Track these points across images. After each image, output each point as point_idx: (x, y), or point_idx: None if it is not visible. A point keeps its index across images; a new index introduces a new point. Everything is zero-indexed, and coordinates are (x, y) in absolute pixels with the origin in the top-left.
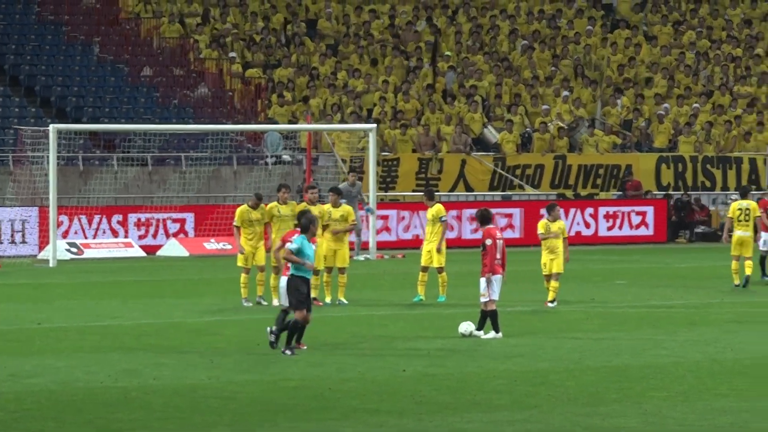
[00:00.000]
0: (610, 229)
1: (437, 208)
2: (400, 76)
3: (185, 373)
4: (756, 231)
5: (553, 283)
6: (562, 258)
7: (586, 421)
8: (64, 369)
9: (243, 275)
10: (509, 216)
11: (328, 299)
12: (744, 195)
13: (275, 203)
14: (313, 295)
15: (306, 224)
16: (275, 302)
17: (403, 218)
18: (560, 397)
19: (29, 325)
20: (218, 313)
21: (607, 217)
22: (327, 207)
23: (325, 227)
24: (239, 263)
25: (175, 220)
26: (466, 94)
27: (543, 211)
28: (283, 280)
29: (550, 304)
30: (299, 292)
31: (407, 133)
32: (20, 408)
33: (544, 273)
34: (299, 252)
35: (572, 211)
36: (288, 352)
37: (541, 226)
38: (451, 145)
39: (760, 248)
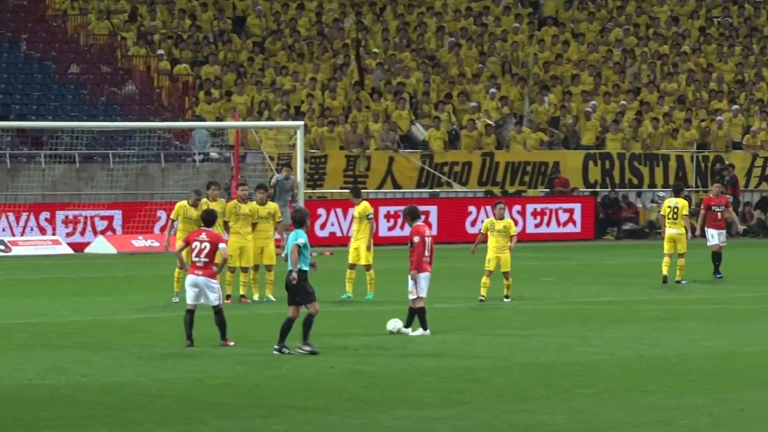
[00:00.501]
0: (537, 226)
1: (364, 206)
2: (328, 73)
3: (113, 371)
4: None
5: (504, 281)
6: (509, 254)
7: (514, 418)
8: None
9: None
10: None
11: (255, 297)
12: (677, 193)
13: (204, 200)
14: (241, 292)
15: (302, 219)
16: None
17: (329, 213)
18: (488, 393)
19: None
20: (146, 311)
21: (534, 214)
22: (255, 204)
23: (254, 225)
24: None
25: (102, 218)
26: (394, 92)
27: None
28: (189, 279)
29: (506, 300)
30: (308, 286)
31: (335, 130)
32: None
33: (487, 268)
34: (305, 247)
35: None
36: (306, 347)
37: (485, 224)
38: (378, 143)
39: (709, 243)
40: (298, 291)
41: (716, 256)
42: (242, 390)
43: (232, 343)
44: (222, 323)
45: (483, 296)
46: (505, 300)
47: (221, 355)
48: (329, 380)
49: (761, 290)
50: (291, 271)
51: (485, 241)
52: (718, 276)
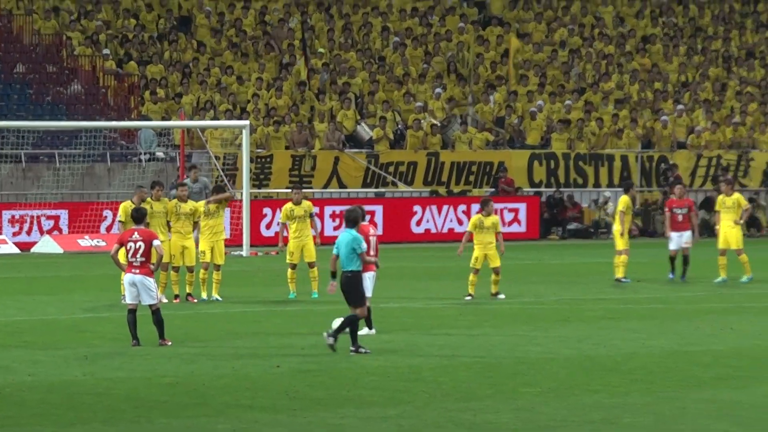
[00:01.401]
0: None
1: (307, 204)
2: (273, 72)
3: (60, 370)
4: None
5: (494, 277)
6: (498, 251)
7: (459, 417)
8: None
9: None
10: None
11: (204, 295)
12: (627, 190)
13: (148, 200)
14: (187, 290)
15: (356, 218)
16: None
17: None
18: (433, 392)
19: None
20: (92, 310)
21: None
22: (202, 204)
23: (195, 224)
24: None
25: (49, 217)
26: (339, 92)
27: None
28: (127, 279)
29: (501, 296)
30: (361, 288)
31: (280, 130)
32: None
33: (474, 266)
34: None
35: (445, 207)
36: (361, 350)
37: (473, 221)
38: (324, 142)
39: (671, 247)
40: (352, 291)
41: (678, 259)
42: (189, 389)
43: (169, 343)
44: (160, 322)
45: (471, 294)
46: (499, 297)
47: (168, 354)
48: (275, 379)
49: (703, 290)
50: (346, 272)
51: (471, 240)
52: (682, 279)
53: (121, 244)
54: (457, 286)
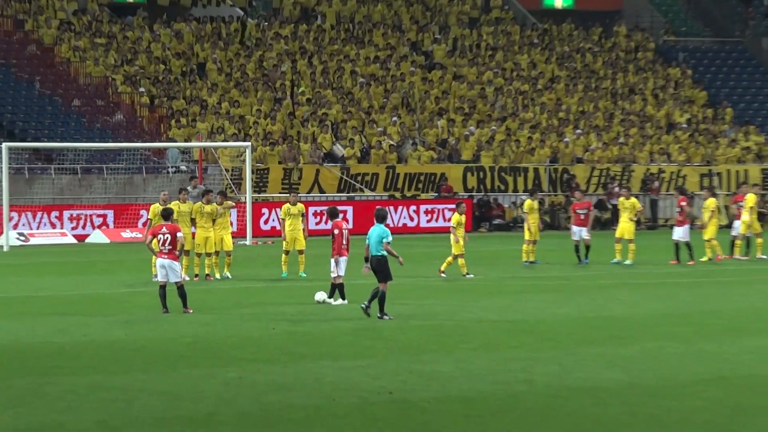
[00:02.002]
0: (428, 221)
1: (301, 206)
2: (269, 105)
3: (106, 332)
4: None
5: (461, 261)
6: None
7: (412, 367)
8: (14, 329)
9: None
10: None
11: (217, 275)
12: (532, 194)
13: (176, 202)
14: (206, 272)
15: (384, 215)
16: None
17: (271, 212)
18: (392, 348)
19: None
20: (131, 286)
21: (426, 212)
22: (215, 205)
23: (214, 221)
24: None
25: (98, 216)
26: (319, 120)
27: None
28: (158, 262)
29: (470, 275)
30: (388, 268)
31: (275, 149)
32: None
33: (454, 253)
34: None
35: (400, 208)
36: (386, 316)
37: (455, 218)
38: (307, 158)
39: (573, 238)
40: (382, 270)
41: (581, 247)
42: (205, 346)
43: (191, 311)
44: (183, 295)
45: (444, 272)
46: (469, 276)
47: (189, 320)
48: (271, 339)
49: (597, 270)
50: (375, 256)
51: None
52: (585, 262)
53: (154, 235)
54: (410, 268)
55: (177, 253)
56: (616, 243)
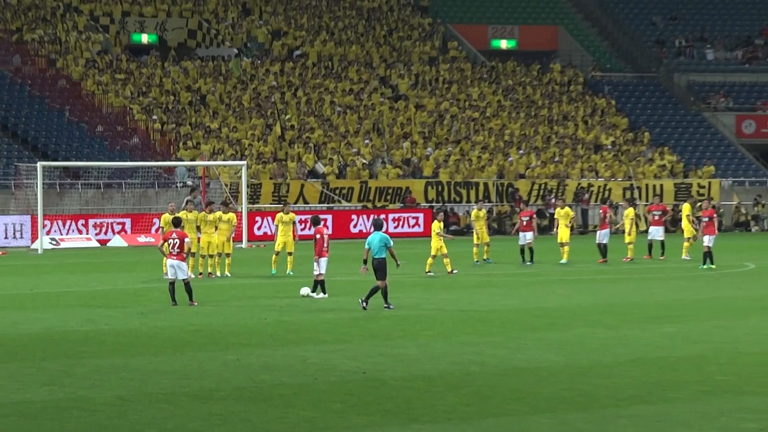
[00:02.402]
0: (395, 228)
1: (292, 215)
2: (261, 130)
3: (125, 321)
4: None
5: (446, 259)
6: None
7: (381, 350)
8: (47, 319)
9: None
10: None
11: (218, 273)
12: (477, 204)
13: (184, 211)
14: (209, 270)
15: (381, 224)
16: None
17: (263, 220)
18: (365, 335)
19: (25, 291)
20: (146, 282)
21: (394, 220)
22: (218, 213)
23: (216, 227)
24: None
25: (118, 223)
26: (303, 142)
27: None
28: (168, 262)
29: (454, 272)
30: (386, 269)
31: (266, 167)
32: (19, 344)
33: (433, 254)
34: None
35: (372, 216)
36: (390, 306)
37: (436, 226)
38: (294, 175)
39: (519, 242)
40: (382, 270)
41: (528, 250)
42: (207, 333)
43: (196, 304)
44: (189, 291)
45: (430, 272)
46: (454, 272)
47: (194, 311)
48: (263, 327)
49: (537, 268)
50: (377, 258)
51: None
52: (529, 263)
53: (165, 240)
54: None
55: (184, 255)
56: (560, 246)
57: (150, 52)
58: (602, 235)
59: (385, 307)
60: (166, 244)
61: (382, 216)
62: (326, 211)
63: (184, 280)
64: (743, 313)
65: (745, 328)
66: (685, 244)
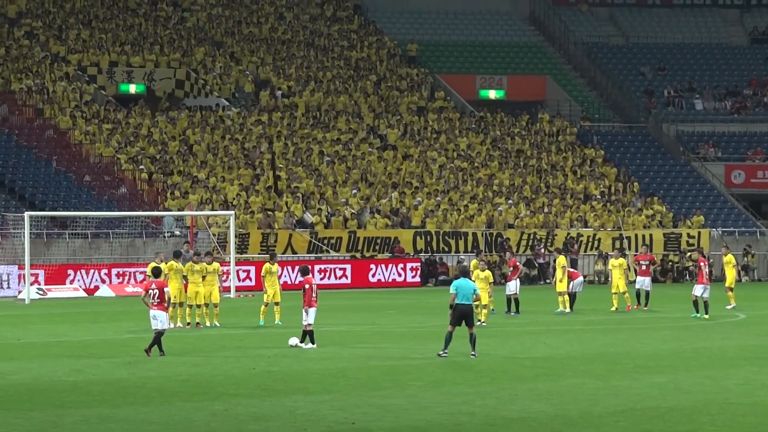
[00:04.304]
0: (381, 277)
1: (277, 266)
2: (249, 180)
3: (113, 371)
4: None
5: (485, 311)
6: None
7: (369, 401)
8: (35, 369)
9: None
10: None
11: (207, 323)
12: (477, 254)
13: (172, 262)
14: (197, 320)
15: (467, 271)
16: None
17: (250, 271)
18: (354, 385)
19: (11, 341)
20: (133, 332)
21: (383, 270)
22: (204, 264)
23: (204, 277)
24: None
25: (105, 273)
26: (292, 192)
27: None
28: (151, 313)
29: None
30: (474, 315)
31: (254, 217)
32: (6, 394)
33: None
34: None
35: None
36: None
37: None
38: (282, 224)
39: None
40: (470, 317)
41: (514, 301)
42: (195, 383)
43: (150, 355)
44: (158, 341)
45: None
46: (483, 324)
47: (182, 361)
48: (252, 377)
49: (533, 317)
50: (466, 304)
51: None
52: (515, 313)
53: (146, 290)
54: (367, 317)
55: (165, 305)
56: (558, 296)
57: (138, 102)
58: (575, 285)
59: (472, 355)
60: (146, 294)
61: (372, 265)
62: (314, 261)
63: (160, 330)
64: (734, 363)
65: (736, 379)
66: (730, 293)
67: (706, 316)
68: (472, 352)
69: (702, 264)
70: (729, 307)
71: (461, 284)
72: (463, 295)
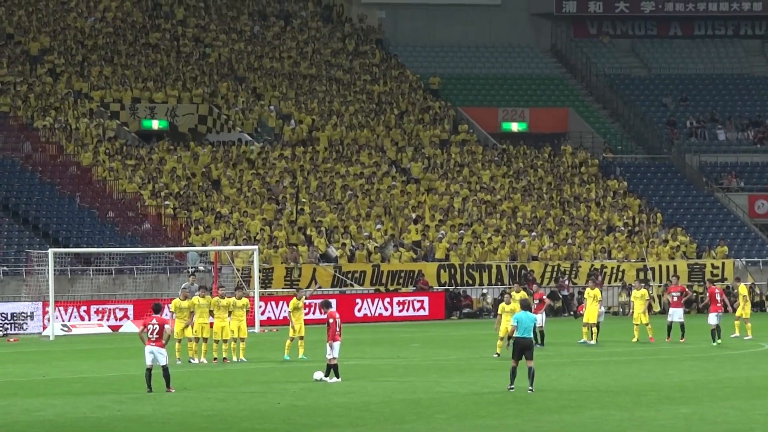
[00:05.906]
0: (405, 312)
1: (303, 301)
2: (272, 215)
3: (137, 407)
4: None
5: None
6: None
7: None
8: (59, 406)
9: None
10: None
11: (234, 358)
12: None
13: (196, 298)
14: (224, 356)
15: (529, 304)
16: (177, 362)
17: (277, 305)
18: (378, 418)
19: (37, 377)
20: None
21: (405, 303)
22: (232, 299)
23: (230, 312)
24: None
25: (129, 309)
26: (316, 226)
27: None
28: (147, 349)
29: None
30: (533, 348)
31: (278, 251)
32: (31, 431)
33: (501, 335)
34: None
35: (387, 300)
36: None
37: (501, 307)
38: (306, 259)
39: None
40: (531, 350)
41: (539, 333)
42: (221, 418)
43: (173, 390)
44: (167, 377)
45: (498, 353)
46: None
47: (206, 396)
48: (277, 411)
49: (557, 349)
50: (526, 338)
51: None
52: (540, 345)
53: (144, 326)
54: (391, 350)
55: (163, 342)
56: (583, 327)
57: (161, 138)
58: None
59: (529, 390)
60: (144, 329)
61: (398, 299)
62: (338, 295)
63: (163, 366)
64: (759, 393)
65: (761, 409)
66: (748, 324)
67: (719, 341)
68: (530, 387)
69: (716, 292)
70: (746, 338)
71: (521, 317)
72: (524, 328)
